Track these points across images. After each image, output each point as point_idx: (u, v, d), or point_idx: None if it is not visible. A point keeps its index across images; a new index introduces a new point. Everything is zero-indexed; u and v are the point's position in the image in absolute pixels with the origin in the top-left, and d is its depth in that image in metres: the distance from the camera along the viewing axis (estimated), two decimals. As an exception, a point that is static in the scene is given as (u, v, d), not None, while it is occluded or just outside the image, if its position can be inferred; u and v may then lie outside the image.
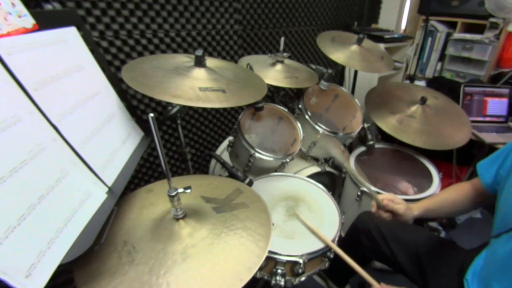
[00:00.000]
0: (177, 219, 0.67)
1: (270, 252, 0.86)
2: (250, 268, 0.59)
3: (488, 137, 1.71)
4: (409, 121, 1.47)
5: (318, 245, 0.94)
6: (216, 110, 1.86)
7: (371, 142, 1.54)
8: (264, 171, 1.28)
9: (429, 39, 2.30)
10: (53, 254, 0.50)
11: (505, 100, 1.91)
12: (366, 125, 1.53)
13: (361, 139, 1.60)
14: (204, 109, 1.79)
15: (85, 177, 0.64)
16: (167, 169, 0.62)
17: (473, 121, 1.80)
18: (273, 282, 0.91)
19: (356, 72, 1.93)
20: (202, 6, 1.54)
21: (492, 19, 1.96)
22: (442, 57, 2.29)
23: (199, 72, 0.93)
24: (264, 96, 1.03)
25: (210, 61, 1.02)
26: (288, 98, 1.56)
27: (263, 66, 1.35)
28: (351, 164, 1.45)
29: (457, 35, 2.15)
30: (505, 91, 1.91)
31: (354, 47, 1.47)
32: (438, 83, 2.15)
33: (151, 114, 0.56)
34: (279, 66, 1.36)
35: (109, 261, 0.60)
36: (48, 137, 0.57)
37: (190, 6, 1.49)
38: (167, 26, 1.47)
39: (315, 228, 0.97)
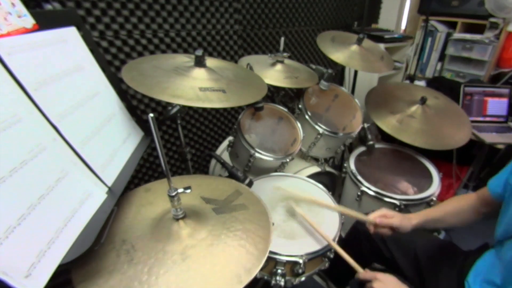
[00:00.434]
0: (177, 219, 0.67)
1: (270, 252, 0.85)
2: (250, 269, 0.59)
3: (488, 137, 1.71)
4: (409, 121, 1.47)
5: (318, 245, 0.94)
6: (216, 110, 1.86)
7: (371, 142, 1.54)
8: (264, 171, 1.28)
9: (429, 39, 2.30)
10: (53, 254, 0.50)
11: (505, 100, 1.91)
12: (366, 125, 1.53)
13: (361, 139, 1.60)
14: (204, 109, 1.79)
15: (85, 177, 0.64)
16: (167, 169, 0.62)
17: (473, 121, 1.80)
18: (273, 282, 0.91)
19: (356, 72, 1.93)
20: (202, 6, 1.53)
21: (492, 19, 1.96)
22: (442, 57, 2.29)
23: (199, 72, 0.93)
24: (264, 96, 1.03)
25: (210, 61, 1.02)
26: (288, 98, 1.56)
27: (263, 66, 1.35)
28: (350, 164, 1.45)
29: (457, 35, 2.15)
30: (505, 91, 1.91)
31: (354, 47, 1.47)
32: (438, 83, 2.15)
33: (151, 114, 0.56)
34: (279, 66, 1.36)
35: (107, 260, 0.60)
36: (48, 137, 0.57)
37: (190, 6, 1.49)
38: (167, 26, 1.47)
39: (314, 223, 0.97)
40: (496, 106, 1.91)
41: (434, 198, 1.29)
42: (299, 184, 1.23)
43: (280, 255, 0.89)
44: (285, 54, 1.37)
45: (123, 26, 1.35)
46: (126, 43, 1.38)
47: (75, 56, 0.74)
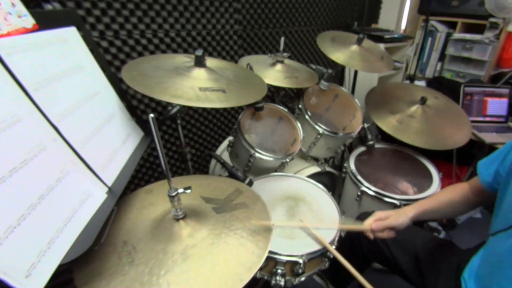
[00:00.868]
0: (177, 220, 0.67)
1: (270, 252, 0.86)
2: (250, 268, 0.59)
3: (488, 137, 1.71)
4: (409, 121, 1.47)
5: (318, 245, 0.94)
6: (216, 110, 1.86)
7: (371, 142, 1.54)
8: (264, 171, 1.28)
9: (429, 39, 2.30)
10: (53, 254, 0.50)
11: (505, 100, 1.91)
12: (366, 125, 1.53)
13: (361, 139, 1.60)
14: (204, 109, 1.79)
15: (85, 177, 0.64)
16: (167, 169, 0.62)
17: (473, 121, 1.80)
18: (273, 282, 0.91)
19: (356, 72, 1.93)
20: (202, 6, 1.53)
21: (492, 19, 1.96)
22: (442, 57, 2.29)
23: (199, 72, 0.93)
24: (264, 96, 1.03)
25: (210, 61, 1.02)
26: (288, 98, 1.56)
27: (263, 66, 1.35)
28: (351, 164, 1.45)
29: (457, 35, 2.15)
30: (505, 91, 1.91)
31: (354, 47, 1.47)
32: (438, 83, 2.15)
33: (151, 115, 0.56)
34: (279, 66, 1.36)
35: (109, 261, 0.60)
36: (48, 137, 0.57)
37: (190, 6, 1.49)
38: (167, 26, 1.47)
39: (321, 238, 0.95)
40: (496, 106, 1.91)
41: (434, 198, 1.29)
42: (299, 184, 1.23)
43: (280, 255, 0.89)
44: (285, 54, 1.37)
45: (123, 26, 1.35)
46: (126, 43, 1.38)
47: (75, 56, 0.74)
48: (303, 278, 0.94)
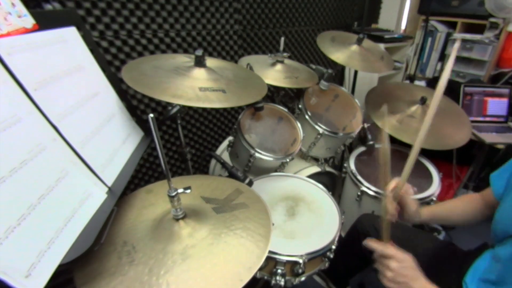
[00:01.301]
0: (177, 220, 0.67)
1: (270, 252, 0.86)
2: (250, 268, 0.59)
3: (488, 137, 1.71)
4: (409, 121, 1.47)
5: (318, 245, 0.94)
6: (216, 110, 1.86)
7: (371, 142, 1.54)
8: (264, 171, 1.28)
9: (429, 39, 2.30)
10: (53, 254, 0.50)
11: (505, 100, 1.91)
12: (366, 125, 1.53)
13: (361, 139, 1.60)
14: (204, 109, 1.79)
15: (85, 177, 0.64)
16: (167, 169, 0.62)
17: (473, 121, 1.80)
18: (273, 282, 0.91)
19: (356, 72, 1.93)
20: (202, 6, 1.53)
21: (492, 19, 1.96)
22: (442, 57, 2.29)
23: (199, 72, 0.93)
24: (264, 96, 1.03)
25: (210, 61, 1.02)
26: (288, 98, 1.56)
27: (263, 66, 1.35)
28: (351, 164, 1.45)
29: (457, 35, 2.15)
30: (505, 91, 1.91)
31: (354, 47, 1.47)
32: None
33: (151, 115, 0.56)
34: (279, 66, 1.36)
35: (109, 261, 0.60)
36: (48, 137, 0.57)
37: (190, 6, 1.49)
38: (167, 26, 1.47)
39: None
40: (496, 106, 1.91)
41: (434, 198, 1.29)
42: (299, 184, 1.23)
43: (280, 255, 0.89)
44: (285, 54, 1.37)
45: (123, 26, 1.35)
46: (126, 43, 1.38)
47: (75, 56, 0.74)
48: (303, 278, 0.94)
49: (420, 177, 1.40)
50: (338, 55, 1.41)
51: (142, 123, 0.96)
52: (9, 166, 0.47)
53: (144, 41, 1.43)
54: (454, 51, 0.73)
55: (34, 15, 0.62)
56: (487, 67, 2.06)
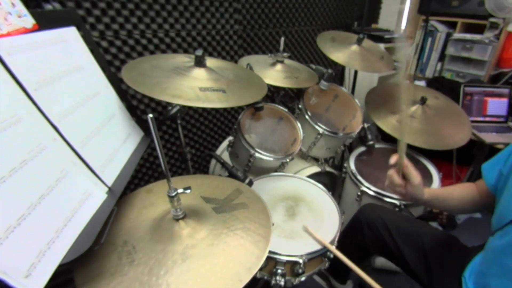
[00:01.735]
0: (177, 220, 0.67)
1: (270, 252, 0.86)
2: (250, 268, 0.59)
3: (488, 137, 1.71)
4: (409, 121, 1.47)
5: (318, 245, 0.94)
6: (216, 110, 1.86)
7: (371, 142, 1.54)
8: (264, 171, 1.28)
9: (429, 39, 2.30)
10: (53, 254, 0.50)
11: (505, 100, 1.91)
12: (366, 125, 1.53)
13: (361, 139, 1.60)
14: (204, 109, 1.79)
15: (85, 177, 0.64)
16: (166, 169, 0.62)
17: (473, 121, 1.80)
18: (273, 282, 0.91)
19: (356, 72, 1.93)
20: (202, 6, 1.53)
21: (492, 19, 1.96)
22: (442, 57, 2.29)
23: (199, 72, 0.93)
24: (264, 96, 1.03)
25: (210, 61, 1.02)
26: (288, 98, 1.56)
27: (263, 66, 1.35)
28: (351, 164, 1.45)
29: (457, 35, 2.15)
30: (505, 91, 1.91)
31: (354, 47, 1.47)
32: (438, 83, 2.15)
33: (150, 115, 0.56)
34: (279, 66, 1.36)
35: (109, 261, 0.60)
36: (48, 137, 0.57)
37: (190, 6, 1.49)
38: (167, 26, 1.47)
39: (323, 240, 0.95)
40: (496, 106, 1.91)
41: (434, 198, 1.29)
42: (299, 184, 1.23)
43: (280, 255, 0.89)
44: (285, 54, 1.37)
45: (123, 26, 1.35)
46: (126, 43, 1.38)
47: (75, 56, 0.74)
48: (303, 278, 0.94)
49: (420, 177, 1.40)
50: (338, 55, 1.41)
51: (142, 123, 0.96)
52: (9, 166, 0.47)
53: (144, 41, 1.43)
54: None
55: (34, 15, 0.62)
56: (487, 67, 2.06)
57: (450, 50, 2.20)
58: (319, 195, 1.17)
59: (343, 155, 1.89)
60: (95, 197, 0.64)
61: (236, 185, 0.86)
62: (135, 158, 0.84)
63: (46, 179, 0.54)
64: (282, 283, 0.90)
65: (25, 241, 0.46)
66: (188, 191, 0.66)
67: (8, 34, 0.56)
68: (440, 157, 1.68)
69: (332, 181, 1.63)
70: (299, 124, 1.35)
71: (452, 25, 2.21)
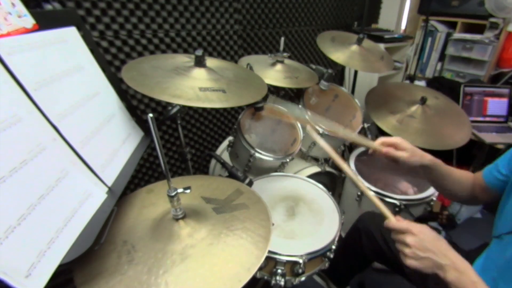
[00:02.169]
0: (177, 219, 0.67)
1: (270, 252, 0.86)
2: (249, 269, 0.58)
3: (488, 137, 1.71)
4: (409, 121, 1.47)
5: (318, 245, 0.94)
6: (216, 110, 1.86)
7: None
8: (264, 171, 1.28)
9: (429, 39, 2.30)
10: (53, 254, 0.50)
11: (505, 100, 1.91)
12: (366, 125, 1.53)
13: (361, 139, 1.60)
14: (204, 109, 1.79)
15: (85, 177, 0.64)
16: (166, 169, 0.62)
17: (473, 121, 1.80)
18: (273, 282, 0.91)
19: (356, 72, 1.93)
20: (202, 6, 1.54)
21: (492, 19, 1.96)
22: (442, 57, 2.29)
23: (199, 72, 0.93)
24: (264, 96, 1.03)
25: (210, 61, 1.02)
26: (288, 98, 1.56)
27: (263, 66, 1.35)
28: (351, 164, 1.45)
29: (457, 35, 2.15)
30: (505, 91, 1.91)
31: (354, 47, 1.47)
32: (438, 83, 2.15)
33: (150, 115, 0.56)
34: (279, 66, 1.36)
35: (108, 261, 0.60)
36: (48, 137, 0.57)
37: (190, 6, 1.49)
38: (167, 26, 1.47)
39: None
40: (496, 106, 1.91)
41: (434, 198, 1.29)
42: (299, 184, 1.23)
43: (280, 255, 0.89)
44: (285, 54, 1.37)
45: (123, 26, 1.35)
46: (126, 43, 1.38)
47: (75, 56, 0.74)
48: (303, 278, 0.94)
49: (420, 177, 1.40)
50: (338, 55, 1.41)
51: (142, 123, 0.96)
52: (9, 166, 0.47)
53: (144, 41, 1.43)
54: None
55: (34, 15, 0.62)
56: (487, 67, 2.06)
57: (450, 50, 2.20)
58: (319, 195, 1.17)
59: (343, 155, 1.89)
60: (95, 197, 0.64)
61: (236, 186, 0.86)
62: (135, 158, 0.84)
63: (46, 179, 0.54)
64: (282, 283, 0.90)
65: (25, 241, 0.46)
66: (188, 191, 0.66)
67: (8, 34, 0.56)
68: (440, 157, 1.67)
69: (332, 181, 1.62)
70: (299, 124, 1.35)
71: (452, 25, 2.21)
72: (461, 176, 0.91)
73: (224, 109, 1.90)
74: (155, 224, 0.69)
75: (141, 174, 1.69)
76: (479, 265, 0.82)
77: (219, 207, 0.76)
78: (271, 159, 1.20)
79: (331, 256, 0.97)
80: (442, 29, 2.24)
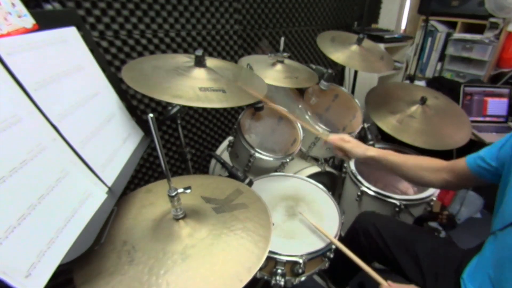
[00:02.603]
0: (177, 219, 0.67)
1: (270, 252, 0.86)
2: (250, 268, 0.59)
3: (488, 137, 1.71)
4: (409, 121, 1.47)
5: (318, 245, 0.94)
6: (216, 110, 1.86)
7: (371, 142, 1.54)
8: (264, 171, 1.28)
9: (429, 39, 2.30)
10: (53, 254, 0.50)
11: (505, 100, 1.91)
12: (366, 125, 1.53)
13: (361, 139, 1.60)
14: (204, 109, 1.79)
15: (85, 177, 0.64)
16: (166, 169, 0.62)
17: (473, 121, 1.80)
18: (273, 282, 0.91)
19: (356, 72, 1.93)
20: (202, 6, 1.54)
21: (492, 19, 1.96)
22: (442, 57, 2.29)
23: (199, 72, 0.93)
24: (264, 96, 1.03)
25: (210, 61, 1.02)
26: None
27: (263, 66, 1.35)
28: (351, 164, 1.45)
29: (457, 35, 2.15)
30: (505, 91, 1.91)
31: (354, 47, 1.47)
32: (438, 83, 2.15)
33: (151, 115, 0.56)
34: (279, 66, 1.36)
35: (108, 261, 0.60)
36: (48, 137, 0.57)
37: (190, 6, 1.49)
38: (167, 26, 1.47)
39: (319, 226, 0.97)
40: (496, 106, 1.91)
41: (434, 198, 1.29)
42: (299, 184, 1.23)
43: (280, 255, 0.89)
44: (285, 54, 1.37)
45: (123, 26, 1.35)
46: (126, 43, 1.38)
47: (75, 56, 0.74)
48: (303, 278, 0.94)
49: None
50: (338, 55, 1.41)
51: (142, 123, 0.96)
52: (9, 166, 0.47)
53: (144, 41, 1.43)
54: None
55: (34, 15, 0.62)
56: (487, 67, 2.06)
57: (450, 50, 2.20)
58: (319, 195, 1.17)
59: (343, 155, 1.89)
60: (95, 197, 0.64)
61: (236, 185, 0.86)
62: (135, 158, 0.84)
63: (46, 179, 0.54)
64: (282, 283, 0.90)
65: (25, 241, 0.46)
66: (188, 191, 0.66)
67: (8, 34, 0.56)
68: (440, 157, 1.68)
69: (332, 181, 1.63)
70: (299, 124, 1.35)
71: (452, 25, 2.21)
72: (421, 162, 0.94)
73: (224, 109, 1.91)
74: (155, 224, 0.69)
75: (141, 174, 1.69)
76: (474, 263, 0.82)
77: (219, 207, 0.76)
78: (271, 159, 1.20)
79: (331, 256, 0.97)
80: (442, 29, 2.24)
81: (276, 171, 1.31)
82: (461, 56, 2.16)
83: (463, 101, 1.89)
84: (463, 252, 0.93)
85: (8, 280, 0.41)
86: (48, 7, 1.11)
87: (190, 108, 1.72)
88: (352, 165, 1.44)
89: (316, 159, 1.55)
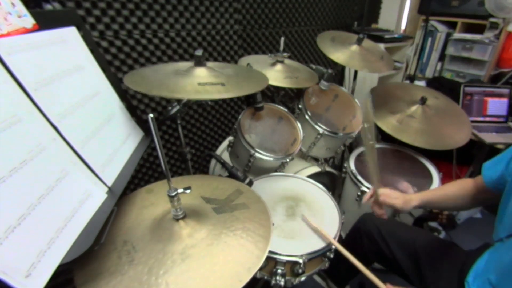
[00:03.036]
0: (177, 220, 0.67)
1: (270, 252, 0.86)
2: (250, 269, 0.59)
3: (488, 137, 1.71)
4: (409, 121, 1.47)
5: (318, 245, 0.94)
6: (216, 110, 1.86)
7: (371, 142, 1.54)
8: (264, 171, 1.28)
9: (429, 39, 2.30)
10: (53, 254, 0.50)
11: (505, 100, 1.91)
12: (366, 125, 1.52)
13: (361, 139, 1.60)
14: (204, 109, 1.79)
15: (85, 177, 0.64)
16: (166, 169, 0.62)
17: (473, 121, 1.80)
18: (273, 282, 0.91)
19: (356, 72, 1.93)
20: (202, 6, 1.54)
21: (492, 19, 1.96)
22: (442, 57, 2.29)
23: (199, 71, 0.93)
24: (264, 96, 1.03)
25: (210, 63, 1.01)
26: (288, 98, 1.56)
27: (263, 66, 1.35)
28: (351, 164, 1.45)
29: (457, 35, 2.15)
30: (505, 91, 1.91)
31: (354, 47, 1.47)
32: (438, 83, 2.15)
33: (151, 115, 0.56)
34: (279, 66, 1.36)
35: (108, 261, 0.60)
36: (48, 137, 0.57)
37: (190, 6, 1.49)
38: (167, 26, 1.47)
39: (321, 229, 0.97)
40: (496, 106, 1.91)
41: (434, 198, 1.29)
42: (299, 184, 1.23)
43: (280, 255, 0.89)
44: (285, 54, 1.37)
45: (123, 26, 1.35)
46: (126, 43, 1.38)
47: (75, 56, 0.74)
48: (303, 278, 0.94)
49: (420, 177, 1.40)
50: (338, 55, 1.41)
51: (142, 123, 0.96)
52: (9, 166, 0.47)
53: (144, 41, 1.43)
54: None
55: (34, 15, 0.62)
56: (487, 67, 2.06)
57: (450, 50, 2.20)
58: (319, 195, 1.17)
59: (343, 155, 1.89)
60: (95, 197, 0.64)
61: (236, 186, 0.86)
62: (135, 158, 0.84)
63: (46, 179, 0.54)
64: (282, 283, 0.90)
65: (25, 241, 0.46)
66: (188, 191, 0.66)
67: (8, 34, 0.56)
68: (440, 157, 1.68)
69: (332, 181, 1.62)
70: (299, 124, 1.35)
71: (452, 25, 2.21)
72: (457, 192, 0.94)
73: (224, 109, 1.90)
74: (155, 224, 0.69)
75: (141, 174, 1.69)
76: (480, 268, 0.81)
77: (219, 207, 0.76)
78: (271, 159, 1.20)
79: (331, 256, 0.97)
80: (442, 29, 2.24)
81: (276, 171, 1.31)
82: (461, 56, 2.16)
83: (463, 101, 1.89)
84: (465, 253, 0.93)
85: (8, 280, 0.41)
86: (48, 7, 1.11)
87: (190, 108, 1.72)
88: (352, 165, 1.44)
89: (316, 159, 1.55)
